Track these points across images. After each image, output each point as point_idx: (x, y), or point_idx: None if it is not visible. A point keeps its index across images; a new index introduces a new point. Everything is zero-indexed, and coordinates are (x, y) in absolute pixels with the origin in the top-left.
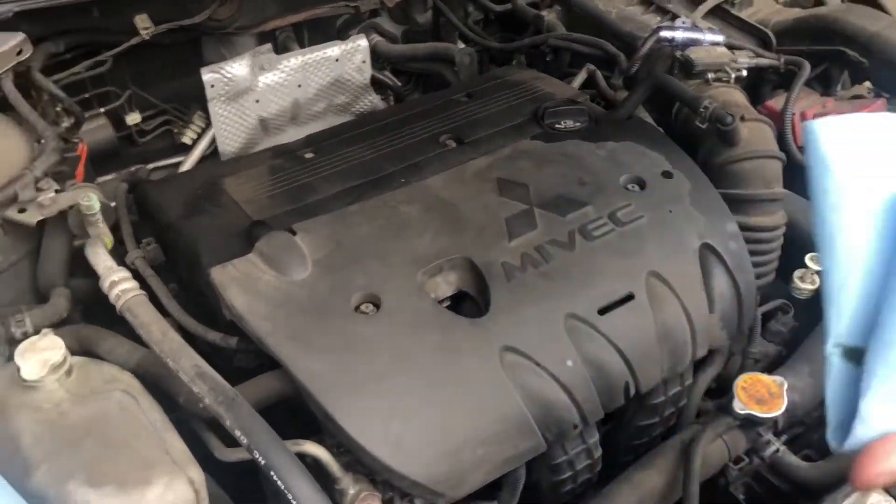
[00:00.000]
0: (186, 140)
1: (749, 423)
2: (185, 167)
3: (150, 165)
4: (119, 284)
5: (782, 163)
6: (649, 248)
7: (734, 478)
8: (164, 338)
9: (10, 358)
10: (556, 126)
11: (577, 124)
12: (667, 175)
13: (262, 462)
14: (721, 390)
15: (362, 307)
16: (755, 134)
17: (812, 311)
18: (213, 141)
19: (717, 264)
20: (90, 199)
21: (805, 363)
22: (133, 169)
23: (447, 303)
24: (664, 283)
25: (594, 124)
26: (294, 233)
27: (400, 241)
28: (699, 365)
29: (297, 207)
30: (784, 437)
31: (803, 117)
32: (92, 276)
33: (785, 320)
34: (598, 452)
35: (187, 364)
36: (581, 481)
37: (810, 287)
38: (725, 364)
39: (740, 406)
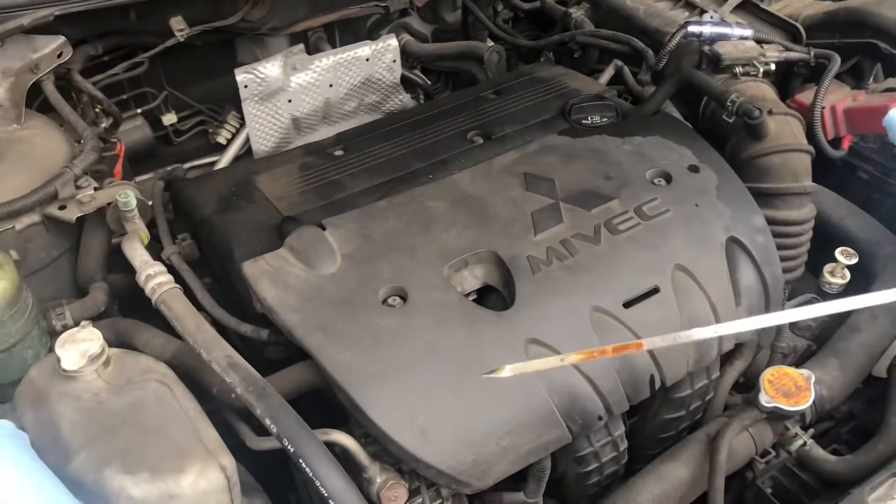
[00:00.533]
0: (221, 140)
1: (776, 417)
2: (220, 166)
3: (187, 165)
4: (155, 278)
5: (811, 156)
6: (675, 241)
7: (761, 471)
8: (198, 330)
9: (52, 349)
10: (583, 121)
11: (604, 120)
12: (693, 169)
13: (292, 450)
14: (749, 385)
15: (389, 300)
16: (783, 128)
17: None
18: (247, 140)
19: (744, 258)
20: (127, 196)
21: (834, 357)
22: (170, 168)
23: (473, 296)
24: (690, 277)
25: (621, 119)
26: (324, 228)
27: (427, 236)
28: (726, 359)
29: (326, 203)
30: (811, 432)
31: (833, 111)
32: (129, 271)
33: None
34: (623, 445)
35: (220, 355)
36: (607, 473)
37: (840, 281)
38: (753, 358)
39: (766, 399)
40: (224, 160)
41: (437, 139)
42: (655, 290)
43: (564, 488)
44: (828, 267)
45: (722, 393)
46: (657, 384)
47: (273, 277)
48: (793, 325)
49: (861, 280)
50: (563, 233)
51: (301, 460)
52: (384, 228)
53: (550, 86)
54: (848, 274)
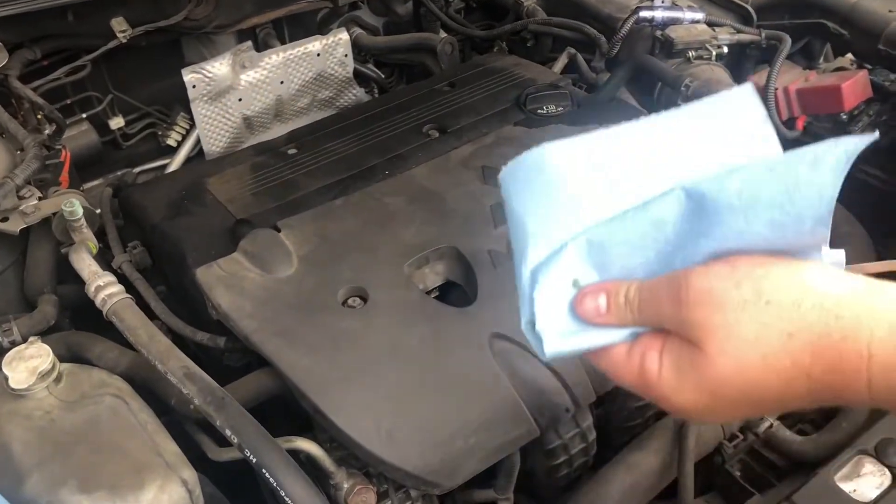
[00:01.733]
0: (171, 142)
1: None
2: (171, 169)
3: (137, 169)
4: (105, 289)
5: None
6: None
7: (729, 455)
8: (152, 340)
9: None
10: (539, 111)
11: (560, 109)
12: None
13: (254, 461)
14: None
15: (349, 301)
16: None
17: None
18: (198, 142)
19: None
20: (73, 206)
21: None
22: (119, 174)
23: (435, 293)
24: None
25: (577, 108)
26: (279, 230)
27: (385, 234)
28: None
29: (280, 204)
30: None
31: (787, 92)
32: (79, 282)
33: None
34: (592, 436)
35: (175, 366)
36: (577, 465)
37: None
38: None
39: None
40: (175, 163)
41: (392, 134)
42: None
43: (534, 482)
44: None
45: None
46: None
47: (228, 283)
48: None
49: None
50: None
51: (264, 470)
52: (341, 228)
53: (504, 76)
54: None
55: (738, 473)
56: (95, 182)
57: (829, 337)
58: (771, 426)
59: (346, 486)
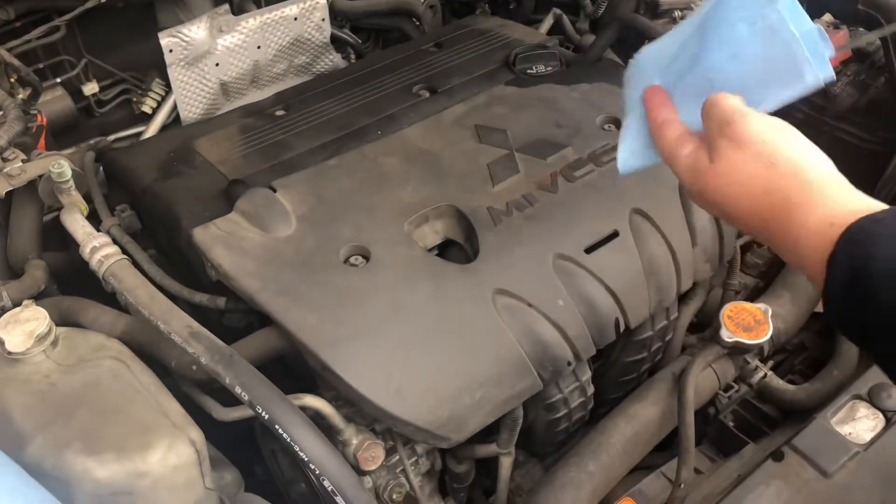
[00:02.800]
0: (146, 109)
1: (737, 351)
2: (147, 136)
3: (111, 137)
4: (101, 250)
5: None
6: (631, 186)
7: (724, 406)
8: (153, 301)
9: None
10: (529, 71)
11: (549, 69)
12: None
13: (266, 417)
14: (703, 325)
15: (351, 260)
16: None
17: None
18: (174, 109)
19: None
20: (61, 167)
21: (785, 290)
22: (92, 142)
23: (435, 251)
24: (647, 220)
25: (566, 68)
26: (274, 190)
27: (383, 193)
28: (682, 299)
29: (273, 165)
30: (770, 364)
31: None
32: (60, 249)
33: (761, 252)
34: (590, 389)
35: (179, 325)
36: (575, 419)
37: None
38: (706, 298)
39: (728, 334)
40: (151, 130)
41: (381, 94)
42: (615, 235)
43: (533, 437)
44: None
45: (679, 333)
46: (622, 327)
47: (227, 243)
48: (741, 263)
49: None
50: (521, 182)
51: (277, 426)
52: (337, 188)
53: (491, 37)
54: None
55: (731, 424)
56: (68, 151)
57: (788, 201)
58: (765, 376)
59: (355, 441)
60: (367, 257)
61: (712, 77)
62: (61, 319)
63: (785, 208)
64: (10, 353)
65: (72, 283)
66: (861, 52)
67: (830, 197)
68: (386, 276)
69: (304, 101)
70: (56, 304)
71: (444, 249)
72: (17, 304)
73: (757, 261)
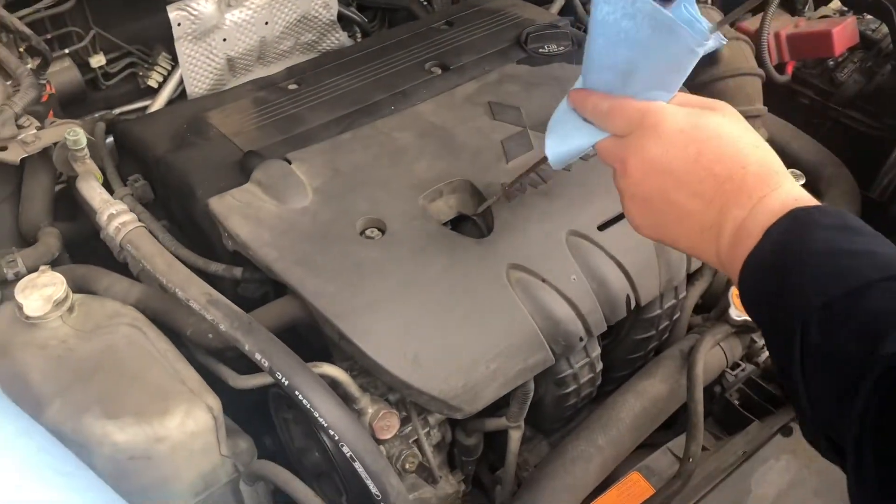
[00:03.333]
0: (152, 83)
1: (745, 330)
2: (153, 110)
3: (116, 110)
4: (118, 217)
5: (762, 80)
6: None
7: (730, 384)
8: (171, 268)
9: (2, 300)
10: (541, 50)
11: (561, 48)
12: None
13: (286, 384)
14: (707, 306)
15: (367, 232)
16: (736, 52)
17: None
18: (180, 83)
19: None
20: (77, 134)
21: None
22: (97, 115)
23: (448, 226)
24: None
25: (577, 48)
26: (289, 162)
27: (398, 167)
28: (689, 279)
29: (287, 138)
30: None
31: (778, 37)
32: (73, 218)
33: None
34: (599, 366)
35: (198, 292)
36: (583, 395)
37: None
38: (713, 278)
39: (737, 313)
40: (156, 104)
41: (394, 70)
42: (622, 216)
43: (541, 412)
44: None
45: (686, 313)
46: (633, 304)
47: (243, 213)
48: None
49: None
50: (535, 159)
51: (297, 393)
52: (352, 161)
53: (502, 16)
54: None
55: (737, 402)
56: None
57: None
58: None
59: (370, 410)
60: (382, 230)
61: (621, 74)
62: (75, 287)
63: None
64: (28, 317)
65: (80, 254)
66: (868, 39)
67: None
68: (402, 248)
69: (316, 76)
70: (70, 272)
71: (458, 224)
72: (31, 270)
73: None
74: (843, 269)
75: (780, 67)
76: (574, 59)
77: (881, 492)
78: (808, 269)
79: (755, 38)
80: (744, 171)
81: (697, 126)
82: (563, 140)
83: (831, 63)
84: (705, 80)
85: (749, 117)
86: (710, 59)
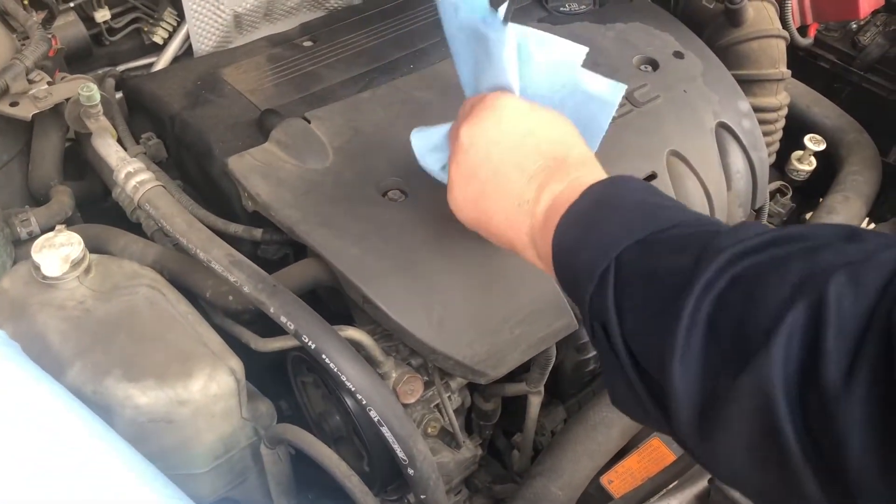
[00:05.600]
0: (157, 39)
1: None
2: (158, 67)
3: (120, 67)
4: (136, 175)
5: (787, 42)
6: (668, 127)
7: None
8: (191, 228)
9: (16, 260)
10: (562, 9)
11: (583, 7)
12: (678, 55)
13: (313, 346)
14: None
15: (390, 194)
16: (760, 13)
17: (809, 192)
18: (186, 40)
19: (733, 142)
20: (90, 90)
21: None
22: (101, 72)
23: None
24: (684, 162)
25: (599, 7)
26: (308, 121)
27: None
28: None
29: (304, 96)
30: None
31: None
32: (81, 177)
33: (783, 202)
34: None
35: (220, 254)
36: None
37: (807, 168)
38: None
39: None
40: (162, 61)
41: (412, 28)
42: (653, 176)
43: (560, 377)
44: (795, 154)
45: None
46: None
47: (264, 173)
48: (762, 214)
49: (826, 165)
50: None
51: (324, 356)
52: (373, 121)
53: None
54: (814, 161)
55: None
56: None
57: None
58: None
59: (394, 375)
60: (405, 192)
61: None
62: (90, 247)
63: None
64: (45, 277)
65: (89, 213)
66: (892, 2)
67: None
68: (425, 211)
69: (331, 33)
70: (83, 231)
71: None
72: (45, 229)
73: (779, 210)
74: (657, 215)
75: (803, 30)
76: (596, 19)
77: (706, 371)
78: (622, 213)
79: None
80: (566, 154)
81: (535, 110)
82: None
83: (854, 26)
84: (727, 42)
85: (772, 80)
86: (733, 21)
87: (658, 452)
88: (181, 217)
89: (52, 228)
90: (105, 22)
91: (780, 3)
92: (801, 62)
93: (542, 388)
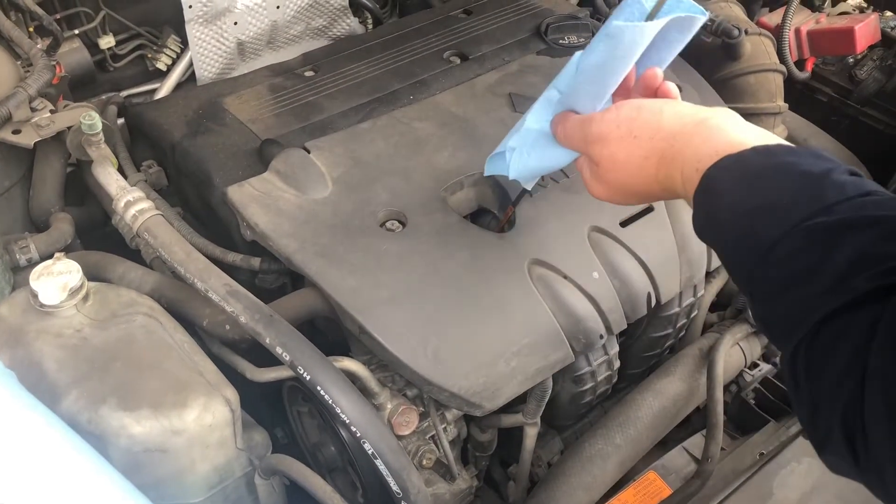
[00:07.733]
0: (161, 66)
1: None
2: (161, 94)
3: (124, 93)
4: (136, 204)
5: (784, 76)
6: None
7: (746, 383)
8: (189, 258)
9: (15, 287)
10: (561, 42)
11: (582, 40)
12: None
13: (308, 378)
14: (722, 304)
15: (388, 224)
16: (758, 47)
17: None
18: (189, 67)
19: None
20: (92, 119)
21: None
22: (104, 97)
23: (468, 219)
24: None
25: None
26: (308, 151)
27: (418, 158)
28: (706, 277)
29: (304, 126)
30: None
31: (798, 33)
32: (81, 203)
33: None
34: (617, 364)
35: (217, 283)
36: (599, 392)
37: None
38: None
39: None
40: (165, 88)
41: (412, 59)
42: (650, 209)
43: (556, 409)
44: None
45: (703, 311)
46: (653, 302)
47: (262, 202)
48: None
49: None
50: None
51: (318, 387)
52: (372, 151)
53: (521, 6)
54: None
55: (752, 401)
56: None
57: (665, 156)
58: None
59: (389, 406)
60: (403, 222)
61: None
62: (89, 274)
63: (665, 165)
64: (42, 305)
65: (89, 240)
66: (888, 37)
67: (694, 143)
68: (423, 242)
69: (333, 63)
70: (83, 259)
71: (478, 217)
72: (44, 256)
73: None
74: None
75: (800, 64)
76: None
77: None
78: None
79: (776, 33)
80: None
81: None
82: (530, 158)
83: (851, 60)
84: (724, 76)
85: (769, 114)
86: (732, 55)
87: (654, 486)
88: (179, 246)
89: (51, 255)
90: (109, 48)
91: (778, 37)
92: (799, 95)
93: (538, 420)
